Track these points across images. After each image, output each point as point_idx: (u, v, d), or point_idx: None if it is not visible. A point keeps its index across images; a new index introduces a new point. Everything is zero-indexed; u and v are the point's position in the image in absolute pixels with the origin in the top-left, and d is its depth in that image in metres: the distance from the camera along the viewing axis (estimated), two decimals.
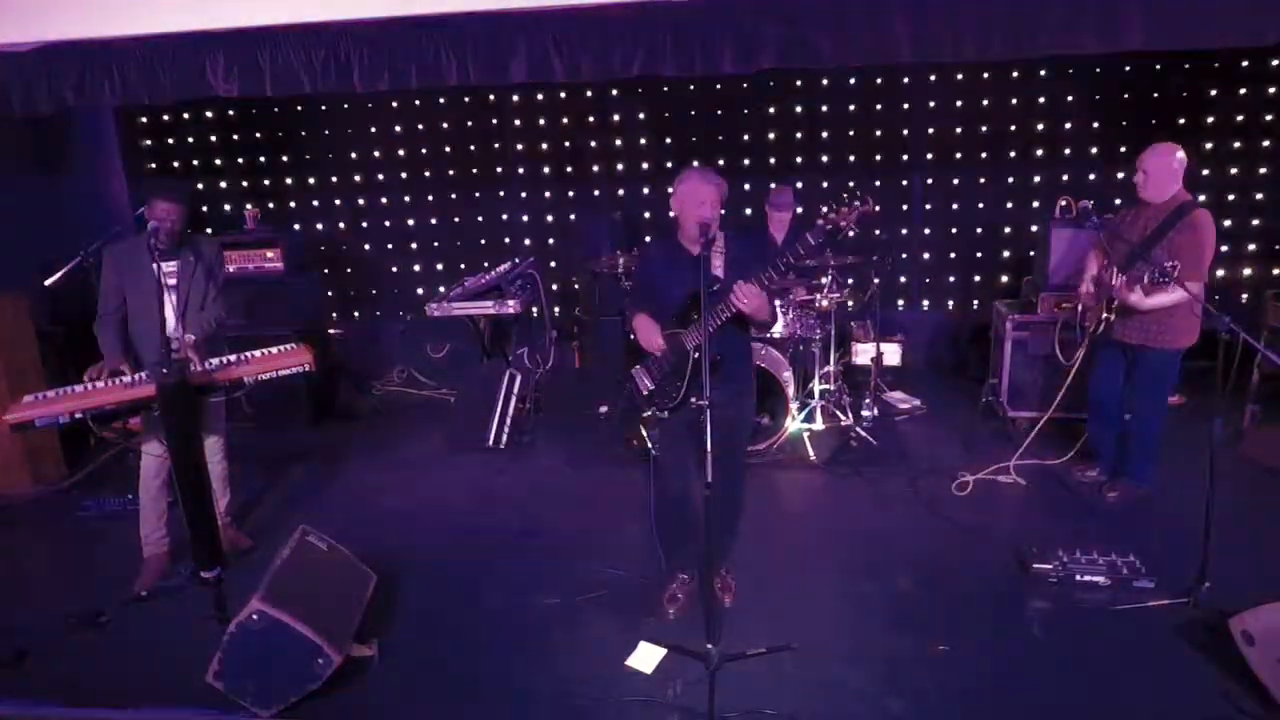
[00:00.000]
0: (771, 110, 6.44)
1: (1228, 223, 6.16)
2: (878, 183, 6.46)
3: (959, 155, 6.35)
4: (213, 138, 6.94)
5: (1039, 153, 6.28)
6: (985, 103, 6.22)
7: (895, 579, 3.59)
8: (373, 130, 6.81)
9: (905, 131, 6.36)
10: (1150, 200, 3.88)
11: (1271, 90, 5.92)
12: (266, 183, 7.01)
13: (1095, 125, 6.14)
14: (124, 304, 3.67)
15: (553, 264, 6.86)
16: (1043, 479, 4.46)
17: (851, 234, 2.94)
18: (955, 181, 6.42)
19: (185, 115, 6.84)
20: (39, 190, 5.80)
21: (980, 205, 6.44)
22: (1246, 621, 2.83)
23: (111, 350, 3.62)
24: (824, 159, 6.51)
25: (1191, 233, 3.72)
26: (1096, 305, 4.04)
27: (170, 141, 6.97)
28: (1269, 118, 5.95)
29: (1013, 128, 6.24)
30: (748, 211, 6.33)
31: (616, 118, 6.60)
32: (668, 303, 3.16)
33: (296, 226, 6.90)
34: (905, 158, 6.42)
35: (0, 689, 3.03)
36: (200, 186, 6.99)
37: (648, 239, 6.63)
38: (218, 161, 6.99)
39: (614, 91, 6.52)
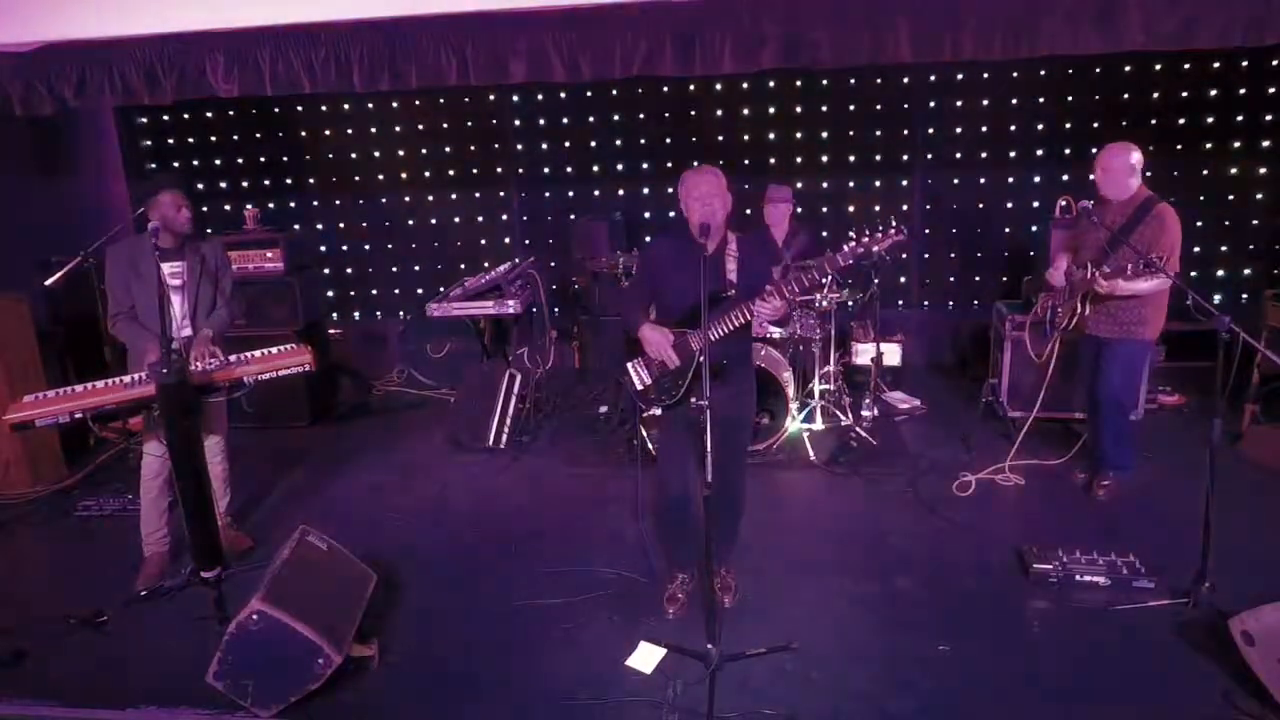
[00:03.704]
0: (771, 110, 6.45)
1: (1227, 223, 6.17)
2: (878, 183, 6.47)
3: (959, 155, 6.35)
4: (213, 138, 6.95)
5: (1039, 153, 6.28)
6: (985, 103, 6.23)
7: (895, 579, 3.59)
8: (373, 130, 6.81)
9: (905, 131, 6.36)
10: (1110, 198, 3.90)
11: (1271, 90, 5.92)
12: (266, 183, 7.01)
13: (1095, 125, 6.14)
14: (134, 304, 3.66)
15: (553, 264, 6.87)
16: (1043, 479, 4.45)
17: (887, 259, 2.93)
18: (955, 181, 6.42)
19: (185, 115, 6.84)
20: (39, 190, 5.80)
21: (980, 205, 6.44)
22: (1246, 621, 2.83)
23: (143, 339, 3.55)
24: (824, 159, 6.51)
25: (1160, 227, 3.74)
26: (1069, 301, 4.05)
27: (170, 141, 6.98)
28: (1269, 118, 5.95)
29: (1013, 128, 6.24)
30: (748, 211, 6.33)
31: (616, 118, 6.60)
32: (672, 302, 3.13)
33: (296, 226, 6.90)
34: (905, 158, 6.42)
35: (0, 689, 3.03)
36: (200, 186, 6.99)
37: (648, 239, 6.63)
38: (218, 161, 7.00)
39: (614, 91, 6.52)
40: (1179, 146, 6.06)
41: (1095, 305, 3.94)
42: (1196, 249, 6.21)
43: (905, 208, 6.49)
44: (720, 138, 6.54)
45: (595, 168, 6.74)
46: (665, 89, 6.46)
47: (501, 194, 6.88)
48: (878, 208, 6.50)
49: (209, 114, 6.83)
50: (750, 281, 3.01)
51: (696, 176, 3.05)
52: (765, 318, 2.95)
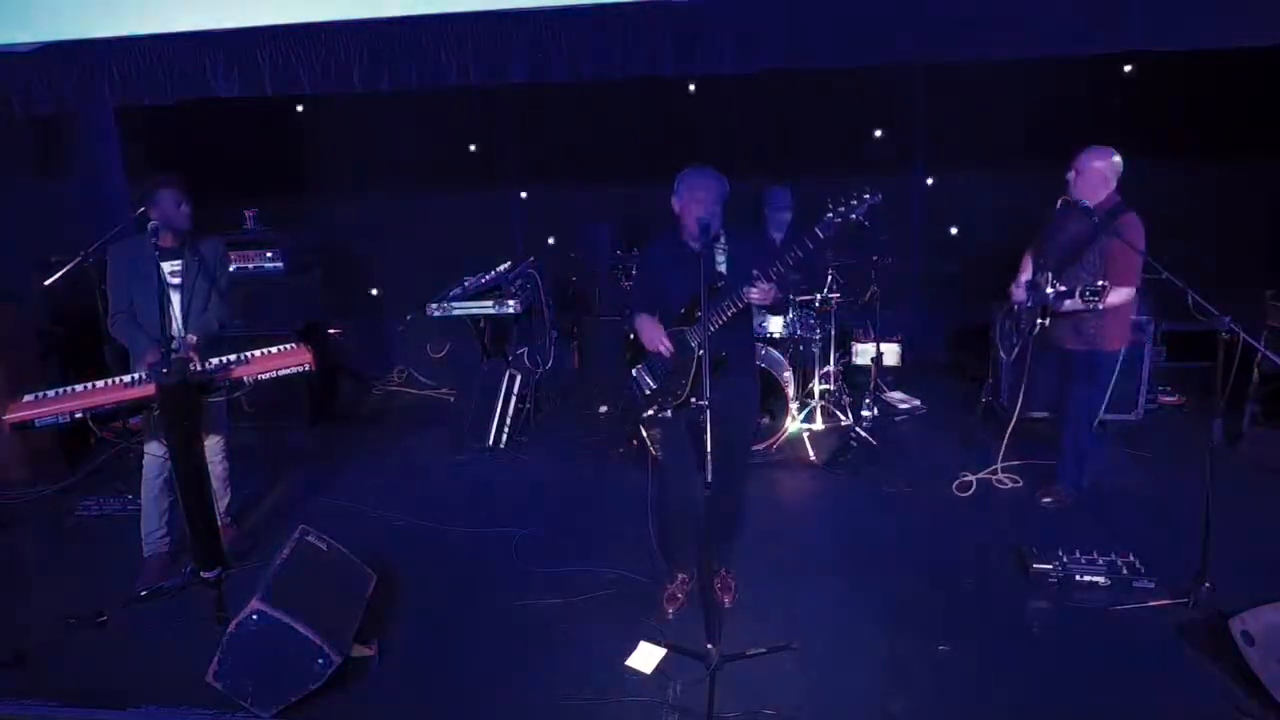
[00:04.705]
0: (771, 110, 6.44)
1: (1228, 223, 6.16)
2: (878, 182, 6.46)
3: (959, 155, 6.35)
4: (213, 138, 6.93)
5: (1039, 152, 6.25)
6: (985, 103, 6.22)
7: (895, 579, 3.59)
8: (373, 130, 6.80)
9: (905, 131, 6.36)
10: (1080, 200, 3.89)
11: (1271, 90, 5.92)
12: (267, 183, 7.00)
13: (1095, 125, 6.11)
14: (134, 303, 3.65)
15: (553, 264, 6.85)
16: (1042, 479, 4.44)
17: (866, 225, 2.94)
18: (955, 181, 6.41)
19: (185, 115, 6.81)
20: (39, 190, 5.80)
21: (980, 204, 6.44)
22: (1246, 621, 2.83)
23: (140, 341, 3.56)
24: (824, 159, 6.50)
25: (1120, 243, 3.73)
26: (1032, 309, 4.04)
27: (170, 141, 6.96)
28: (1269, 118, 5.95)
29: (1013, 128, 6.23)
30: (747, 212, 6.33)
31: (617, 117, 6.59)
32: (671, 301, 3.17)
33: (296, 226, 6.89)
34: (905, 158, 6.42)
35: (0, 689, 3.03)
36: (200, 187, 6.96)
37: (649, 237, 6.62)
38: (218, 161, 6.98)
39: (614, 91, 6.50)
40: (1180, 146, 6.06)
41: (1056, 318, 3.92)
42: (1196, 249, 6.20)
43: (905, 207, 6.49)
44: (720, 138, 6.54)
45: (595, 168, 6.74)
46: (665, 89, 6.45)
47: (501, 194, 6.87)
48: (880, 195, 6.50)
49: (209, 114, 6.81)
50: (740, 273, 3.02)
51: (697, 178, 3.07)
52: (756, 302, 2.96)
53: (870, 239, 5.19)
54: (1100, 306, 3.61)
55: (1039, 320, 3.96)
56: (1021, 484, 4.41)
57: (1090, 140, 4.01)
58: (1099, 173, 3.82)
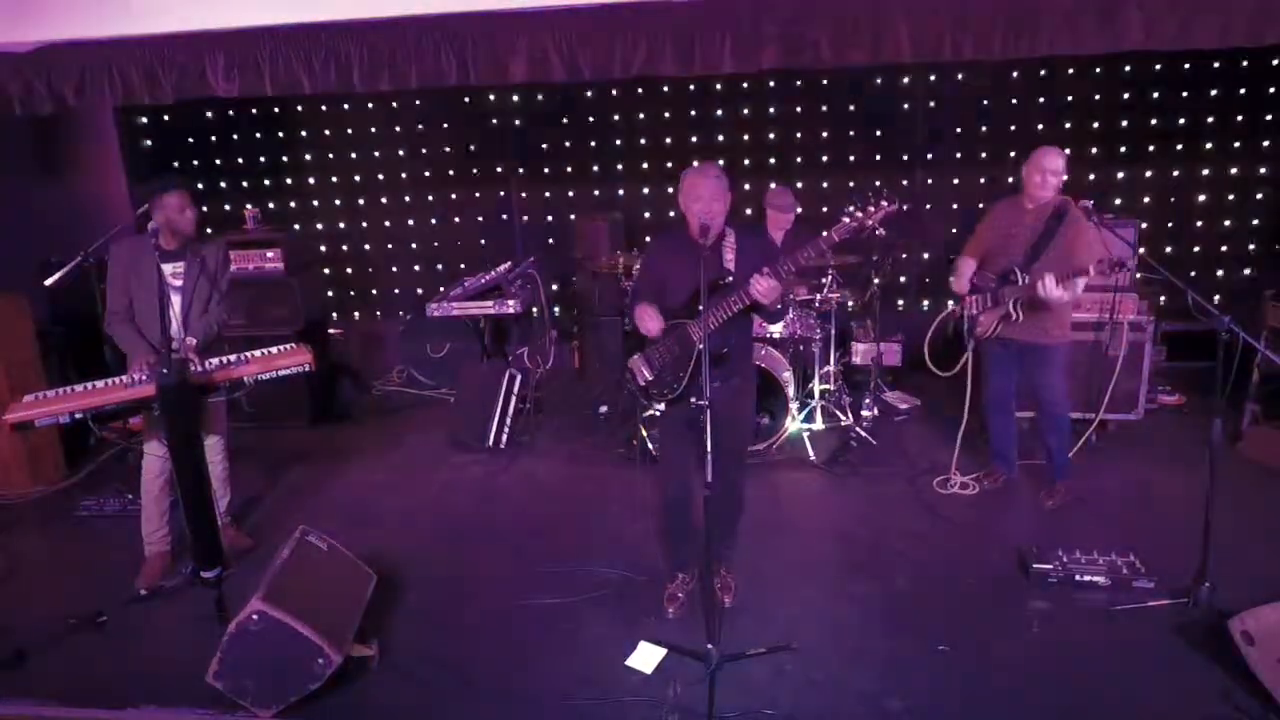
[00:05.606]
0: (771, 110, 6.45)
1: (1227, 223, 6.17)
2: (877, 182, 6.44)
3: (959, 155, 6.35)
4: (213, 138, 6.94)
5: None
6: (985, 102, 6.22)
7: (895, 579, 3.59)
8: (373, 130, 6.81)
9: (905, 131, 6.36)
10: (1042, 200, 3.89)
11: (1271, 90, 5.93)
12: (267, 183, 7.01)
13: (1095, 125, 6.14)
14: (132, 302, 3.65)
15: (553, 264, 6.86)
16: (1041, 479, 4.45)
17: (880, 233, 2.90)
18: (955, 181, 6.41)
19: (185, 115, 6.83)
20: (39, 190, 5.80)
21: (980, 205, 6.43)
22: (1246, 621, 2.83)
23: (134, 344, 3.56)
24: (824, 159, 6.51)
25: (1077, 230, 3.79)
26: (995, 309, 4.01)
27: (170, 141, 6.97)
28: (1268, 117, 5.96)
29: (1013, 128, 6.24)
30: (748, 211, 6.34)
31: (616, 118, 6.60)
32: (675, 294, 3.16)
33: (296, 226, 6.90)
34: (905, 158, 6.42)
35: (0, 689, 3.03)
36: (200, 186, 6.98)
37: (649, 238, 6.63)
38: (218, 161, 6.99)
39: (614, 91, 6.51)
40: (1179, 146, 6.07)
41: (1029, 311, 3.90)
42: (1196, 249, 6.22)
43: (905, 207, 6.48)
44: (720, 138, 6.54)
45: (595, 168, 6.74)
46: (665, 89, 6.45)
47: (501, 194, 6.88)
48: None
49: (209, 114, 6.83)
50: (748, 271, 3.02)
51: (698, 177, 3.06)
52: (761, 297, 2.93)
53: (870, 239, 5.20)
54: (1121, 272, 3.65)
55: (1012, 314, 3.95)
56: (977, 490, 4.37)
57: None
58: (1058, 171, 3.86)
